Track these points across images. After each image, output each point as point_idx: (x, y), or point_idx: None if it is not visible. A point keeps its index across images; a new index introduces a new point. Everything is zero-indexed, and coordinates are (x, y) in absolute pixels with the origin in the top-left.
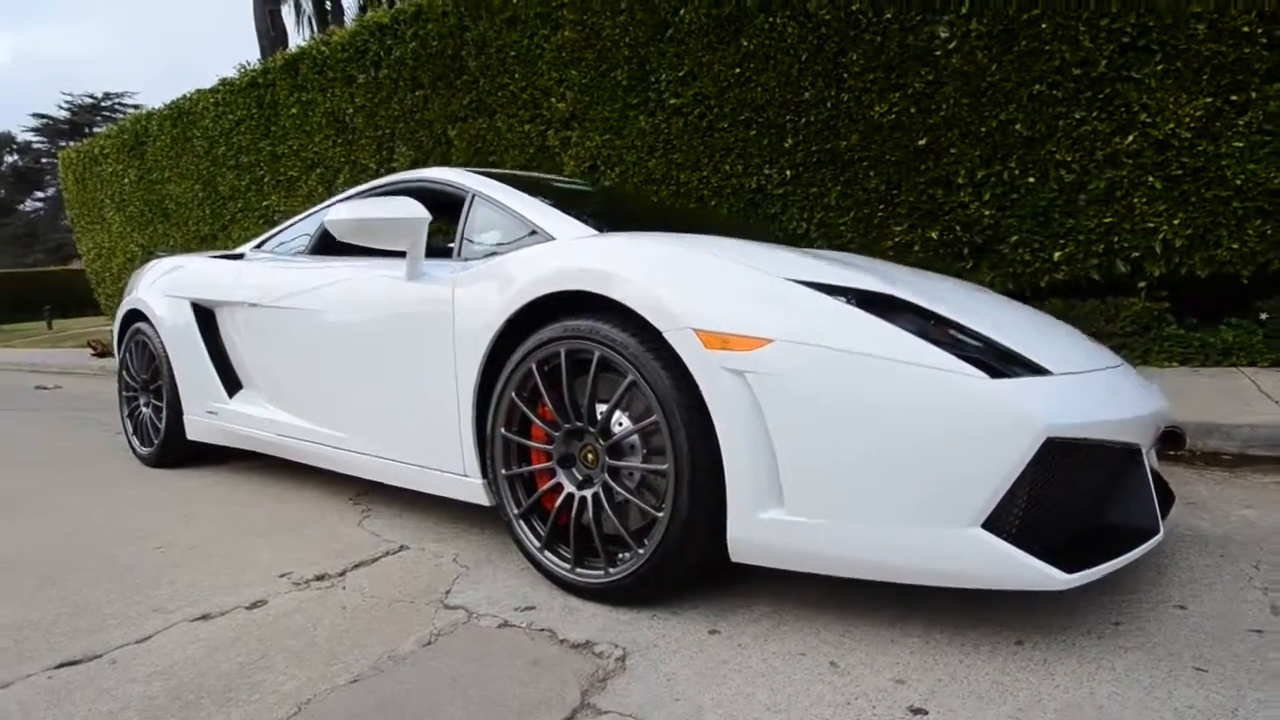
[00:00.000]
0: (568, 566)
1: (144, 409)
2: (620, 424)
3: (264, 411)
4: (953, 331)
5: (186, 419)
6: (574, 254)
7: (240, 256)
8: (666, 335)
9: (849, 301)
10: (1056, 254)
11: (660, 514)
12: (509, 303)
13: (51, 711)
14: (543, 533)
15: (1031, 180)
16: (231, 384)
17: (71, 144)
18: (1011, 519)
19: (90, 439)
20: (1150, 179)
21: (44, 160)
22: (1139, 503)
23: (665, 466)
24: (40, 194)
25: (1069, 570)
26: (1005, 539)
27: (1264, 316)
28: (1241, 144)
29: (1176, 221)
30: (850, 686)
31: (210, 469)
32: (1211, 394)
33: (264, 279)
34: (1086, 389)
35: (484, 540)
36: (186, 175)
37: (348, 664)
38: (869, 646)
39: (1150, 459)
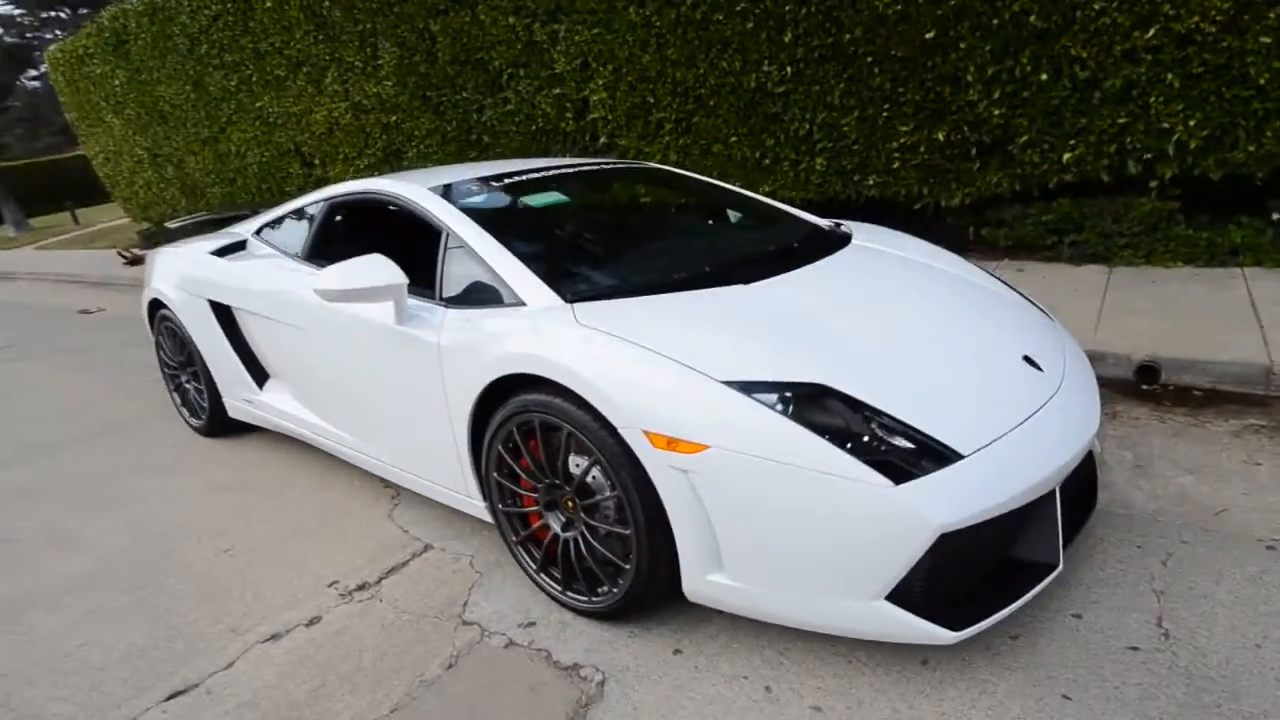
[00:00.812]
0: (559, 589)
1: (187, 385)
2: (592, 481)
3: (292, 407)
4: (875, 426)
5: (225, 401)
6: (540, 343)
7: (243, 245)
8: (621, 432)
9: (781, 403)
10: (1066, 155)
11: (627, 566)
12: (484, 373)
13: None
14: (538, 557)
15: (1044, 77)
16: (260, 374)
17: (58, 35)
18: (911, 591)
19: (144, 394)
20: (1169, 76)
21: (29, 36)
22: (1044, 538)
23: (628, 532)
24: (35, 72)
25: (957, 628)
26: (904, 607)
27: (1276, 216)
28: (1269, 39)
29: (1192, 123)
30: (776, 715)
31: (259, 441)
32: (1201, 312)
33: (271, 289)
34: (996, 464)
35: (495, 538)
36: (175, 76)
37: (389, 691)
38: (800, 669)
39: (1095, 445)
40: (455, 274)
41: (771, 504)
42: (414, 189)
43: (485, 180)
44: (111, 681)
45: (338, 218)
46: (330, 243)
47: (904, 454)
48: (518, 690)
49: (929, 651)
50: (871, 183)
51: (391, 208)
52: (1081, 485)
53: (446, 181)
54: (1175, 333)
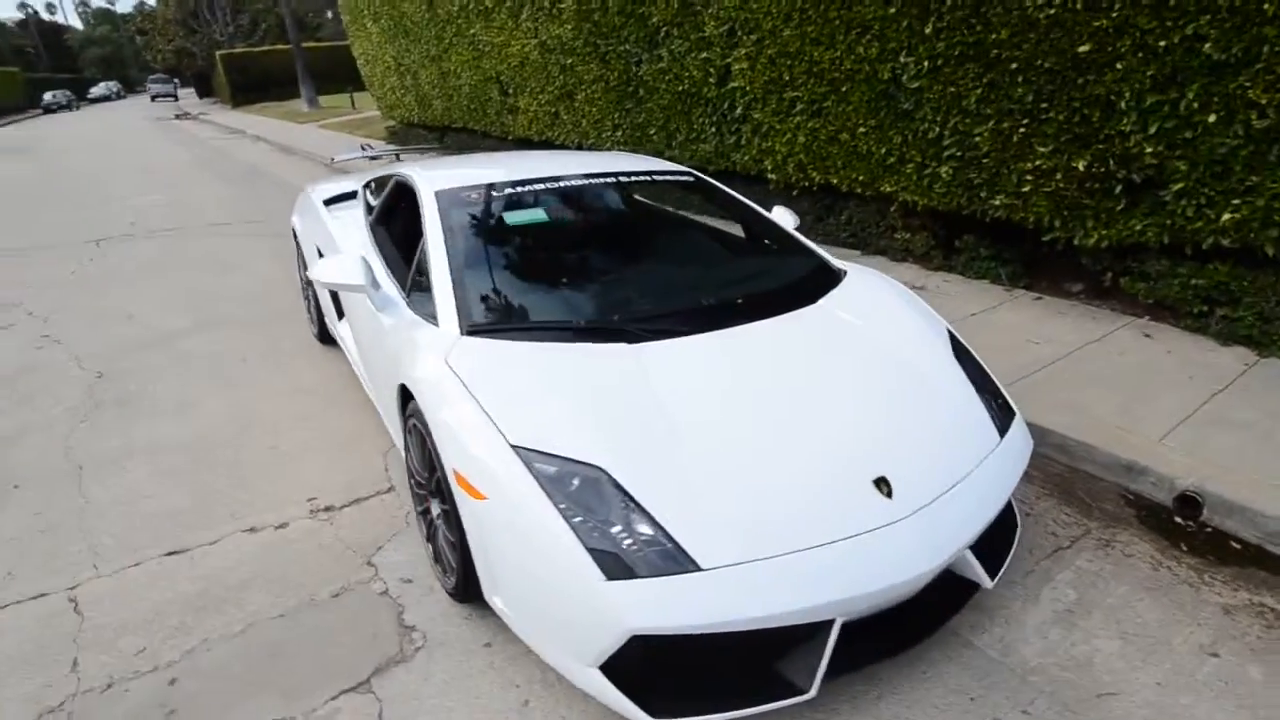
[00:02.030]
0: (431, 560)
1: (311, 300)
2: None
3: (349, 339)
4: (633, 519)
5: (326, 320)
6: (416, 367)
7: (353, 196)
8: (443, 468)
9: (555, 478)
10: (1226, 215)
11: (454, 564)
12: (398, 376)
13: (146, 589)
14: (424, 529)
15: (1212, 119)
16: (341, 311)
17: None
18: (620, 670)
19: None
20: None
21: None
22: (807, 661)
23: (455, 540)
24: None
25: (656, 715)
26: (612, 680)
27: None
28: None
29: None
30: None
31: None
32: None
33: (341, 243)
34: (737, 583)
35: None
36: None
37: (286, 600)
38: (567, 696)
39: (968, 565)
40: (418, 277)
41: (524, 562)
42: (426, 187)
43: (494, 187)
44: (139, 531)
45: (396, 192)
46: (388, 213)
47: (645, 552)
48: (362, 632)
49: None
50: (999, 203)
51: None
52: (922, 608)
53: (458, 185)
54: (1257, 465)
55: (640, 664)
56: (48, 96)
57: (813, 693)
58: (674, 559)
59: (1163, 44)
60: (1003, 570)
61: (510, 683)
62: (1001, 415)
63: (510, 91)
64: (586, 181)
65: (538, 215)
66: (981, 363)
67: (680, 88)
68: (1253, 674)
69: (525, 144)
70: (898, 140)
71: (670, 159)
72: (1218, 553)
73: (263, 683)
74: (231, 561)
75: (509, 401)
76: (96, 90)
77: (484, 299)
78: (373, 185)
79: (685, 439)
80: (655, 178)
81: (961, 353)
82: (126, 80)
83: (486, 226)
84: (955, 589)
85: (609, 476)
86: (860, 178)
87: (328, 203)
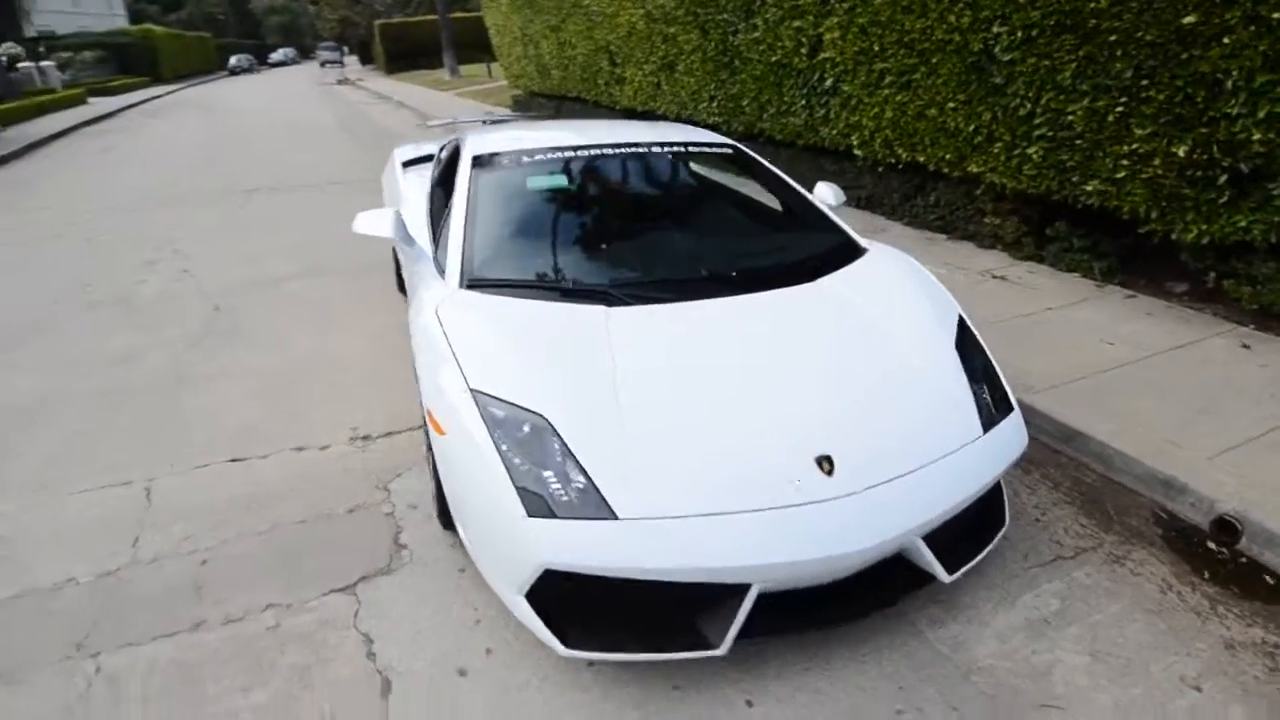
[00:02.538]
0: (434, 491)
1: (394, 253)
2: None
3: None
4: (565, 465)
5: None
6: (419, 315)
7: (430, 159)
8: (421, 405)
9: (503, 423)
10: None
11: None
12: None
13: (205, 488)
14: (430, 463)
15: None
16: None
17: None
18: (540, 599)
19: None
20: None
21: None
22: (722, 620)
23: (433, 472)
24: None
25: (567, 645)
26: (534, 608)
27: None
28: None
29: None
30: (465, 641)
31: None
32: None
33: (409, 202)
34: (650, 537)
35: None
36: None
37: (304, 512)
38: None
39: (920, 554)
40: (443, 232)
41: (470, 495)
42: (468, 151)
43: (529, 153)
44: (214, 440)
45: (452, 155)
46: (444, 175)
47: (569, 497)
48: (363, 544)
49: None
50: (1091, 189)
51: None
52: (867, 588)
53: (497, 149)
54: None
55: (561, 597)
56: (233, 61)
57: (722, 650)
58: (593, 506)
59: (1276, 16)
60: (967, 567)
61: (470, 604)
62: (994, 409)
63: (618, 62)
64: (622, 151)
65: (559, 181)
66: (988, 354)
67: (773, 58)
68: (1234, 715)
69: (630, 114)
70: (987, 117)
71: (761, 131)
72: (1243, 585)
73: (272, 574)
74: (277, 473)
75: (479, 350)
76: (275, 56)
77: (490, 257)
78: (445, 148)
79: (631, 399)
80: (695, 149)
81: (967, 341)
82: (302, 47)
83: (510, 190)
84: (907, 576)
85: (550, 425)
86: (947, 156)
87: (407, 164)
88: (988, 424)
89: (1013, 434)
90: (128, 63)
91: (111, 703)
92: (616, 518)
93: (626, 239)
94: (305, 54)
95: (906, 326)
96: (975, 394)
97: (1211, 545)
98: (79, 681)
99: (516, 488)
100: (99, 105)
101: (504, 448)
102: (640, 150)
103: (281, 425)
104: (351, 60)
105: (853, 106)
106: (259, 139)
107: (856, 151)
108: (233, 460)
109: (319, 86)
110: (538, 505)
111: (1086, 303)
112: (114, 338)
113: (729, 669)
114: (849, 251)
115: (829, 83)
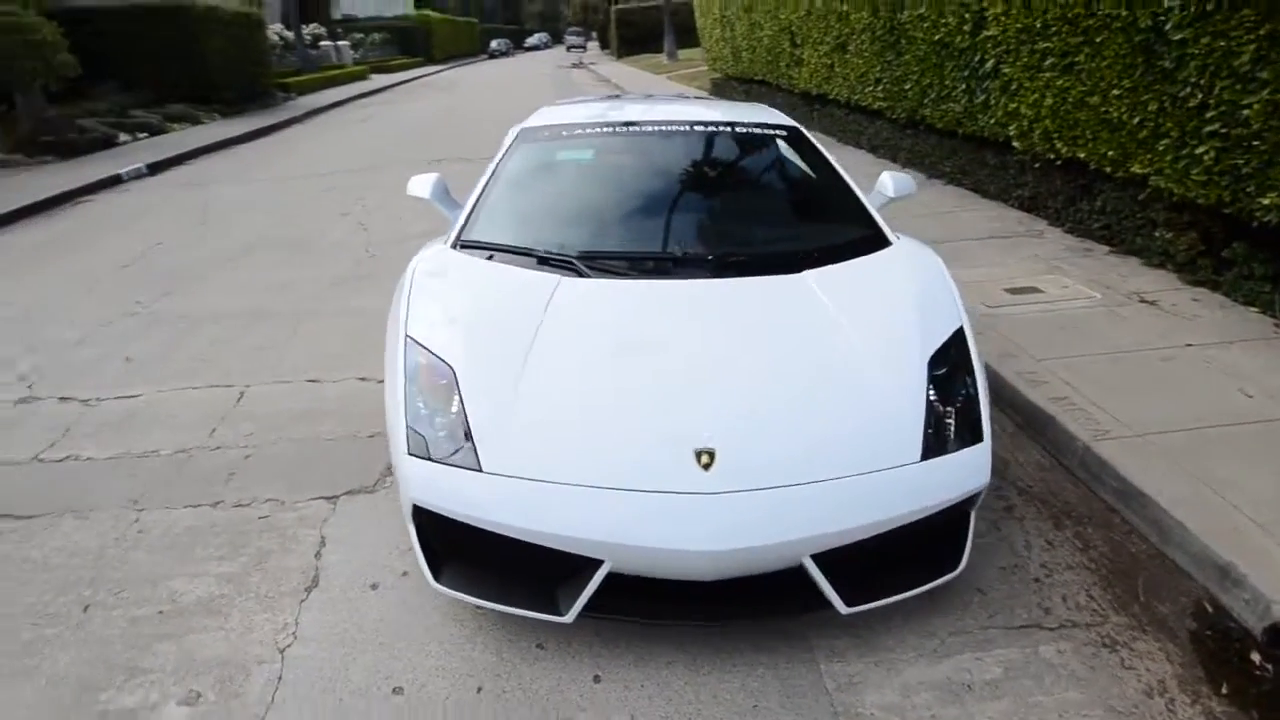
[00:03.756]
0: None
1: None
2: None
3: None
4: (457, 413)
5: None
6: (412, 261)
7: None
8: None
9: (419, 363)
10: None
11: None
12: None
13: (279, 399)
14: None
15: None
16: None
17: None
18: (432, 534)
19: None
20: None
21: None
22: (575, 590)
23: None
24: None
25: (437, 579)
26: (421, 542)
27: None
28: None
29: None
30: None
31: None
32: None
33: None
34: (507, 494)
35: None
36: None
37: (342, 430)
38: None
39: (808, 568)
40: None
41: (388, 429)
42: (525, 123)
43: (574, 126)
44: (307, 362)
45: None
46: None
47: (447, 444)
48: (362, 465)
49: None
50: (1268, 202)
51: None
52: (733, 591)
53: (546, 123)
54: None
55: (444, 535)
56: (493, 44)
57: (568, 618)
58: (463, 455)
59: None
60: (873, 605)
61: (408, 550)
62: (952, 437)
63: (798, 42)
64: (669, 128)
65: (584, 155)
66: (977, 377)
67: (936, 36)
68: None
69: (805, 98)
70: (1153, 107)
71: (923, 118)
72: (1273, 714)
73: (287, 475)
74: (335, 396)
75: (428, 302)
76: (530, 40)
77: (489, 222)
78: None
79: (538, 365)
80: (753, 129)
81: (954, 358)
82: (555, 32)
83: (538, 161)
84: (800, 596)
85: (455, 376)
86: (1110, 153)
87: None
88: (932, 450)
89: (966, 468)
90: (407, 44)
91: (133, 545)
92: (481, 470)
93: (632, 215)
94: (558, 39)
95: (875, 332)
96: (929, 415)
97: (1255, 657)
98: (121, 525)
99: (407, 426)
100: (376, 81)
101: (412, 389)
102: (685, 128)
103: (359, 357)
104: (593, 45)
105: (1012, 92)
106: (483, 117)
107: (1015, 143)
108: (310, 380)
109: (557, 69)
110: (418, 445)
111: (1241, 344)
112: (281, 271)
113: (595, 642)
114: (866, 245)
115: (989, 64)
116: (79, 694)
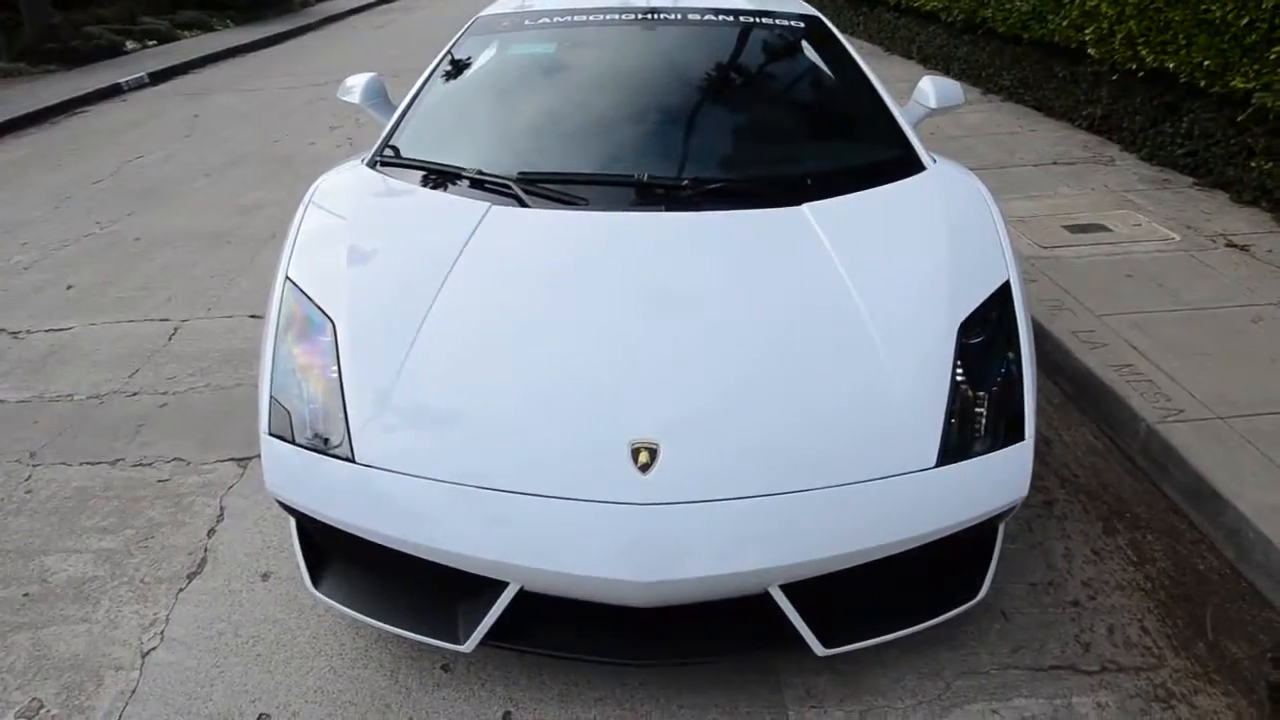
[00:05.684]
0: None
1: None
2: None
3: None
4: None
5: None
6: (322, 183)
7: None
8: None
9: (294, 314)
10: None
11: None
12: None
13: (215, 337)
14: None
15: None
16: None
17: None
18: (307, 532)
19: None
20: None
21: None
22: (476, 614)
23: None
24: None
25: (320, 590)
26: (301, 537)
27: None
28: None
29: None
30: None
31: None
32: None
33: None
34: (367, 487)
35: None
36: None
37: None
38: None
39: (776, 599)
40: None
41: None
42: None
43: (535, 15)
44: (253, 296)
45: None
46: None
47: (313, 422)
48: None
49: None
50: None
51: None
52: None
53: (506, 10)
54: None
55: (322, 530)
56: None
57: (466, 648)
58: (333, 440)
59: None
60: (856, 646)
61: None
62: (984, 433)
63: None
64: (657, 18)
65: (546, 49)
66: (1024, 354)
67: None
68: None
69: (909, 13)
70: (1268, 4)
71: (984, 21)
72: None
73: (199, 429)
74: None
75: (317, 236)
76: None
77: (417, 134)
78: None
79: (441, 322)
80: (763, 20)
81: (997, 323)
82: None
83: (490, 59)
84: (763, 627)
85: (334, 333)
86: (1206, 62)
87: None
88: (954, 451)
89: (998, 477)
90: None
91: (17, 509)
92: (354, 461)
93: (592, 128)
94: None
95: (888, 287)
96: (953, 402)
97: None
98: (11, 484)
99: (270, 396)
100: None
101: (284, 348)
102: (675, 17)
103: (247, 295)
104: None
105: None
106: None
107: (1090, 51)
108: (253, 316)
109: None
110: (281, 423)
111: None
112: (256, 191)
113: (513, 667)
114: (892, 170)
115: None
116: None
